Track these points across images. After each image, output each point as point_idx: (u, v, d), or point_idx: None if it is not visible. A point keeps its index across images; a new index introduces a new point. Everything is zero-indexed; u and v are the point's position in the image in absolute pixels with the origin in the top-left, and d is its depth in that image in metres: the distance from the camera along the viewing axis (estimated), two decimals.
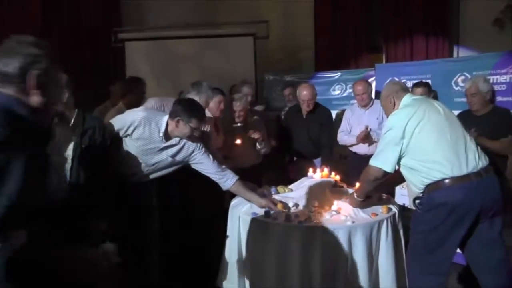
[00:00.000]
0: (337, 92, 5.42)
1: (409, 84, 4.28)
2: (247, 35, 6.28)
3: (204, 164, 2.98)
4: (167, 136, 2.97)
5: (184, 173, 3.17)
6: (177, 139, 2.98)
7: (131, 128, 2.92)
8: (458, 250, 3.05)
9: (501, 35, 5.15)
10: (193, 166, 3.03)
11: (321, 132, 4.37)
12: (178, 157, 3.00)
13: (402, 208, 4.10)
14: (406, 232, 2.94)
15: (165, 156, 2.99)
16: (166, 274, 3.43)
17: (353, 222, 2.62)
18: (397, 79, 4.60)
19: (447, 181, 2.47)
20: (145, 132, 2.93)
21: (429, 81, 4.32)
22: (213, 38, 6.32)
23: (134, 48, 6.35)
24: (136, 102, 3.94)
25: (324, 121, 4.40)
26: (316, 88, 4.52)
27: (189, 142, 2.98)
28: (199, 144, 2.99)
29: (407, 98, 2.74)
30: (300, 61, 6.88)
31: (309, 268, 2.51)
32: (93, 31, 6.59)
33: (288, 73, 5.99)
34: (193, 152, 2.98)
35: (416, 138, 2.52)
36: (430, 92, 4.05)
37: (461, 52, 5.40)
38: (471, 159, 2.48)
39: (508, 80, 3.82)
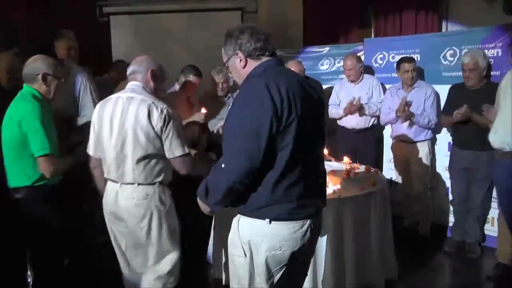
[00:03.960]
0: (325, 67, 5.38)
1: (398, 58, 4.26)
2: (235, 10, 6.18)
3: None
4: None
5: None
6: None
7: None
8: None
9: (491, 10, 5.12)
10: None
11: None
12: None
13: (390, 182, 4.15)
14: (393, 206, 2.97)
15: None
16: None
17: (342, 195, 2.64)
18: (385, 53, 4.60)
19: None
20: None
21: (418, 56, 4.31)
22: (201, 12, 6.19)
23: (120, 22, 6.21)
24: None
25: None
26: (304, 63, 4.50)
27: None
28: None
29: None
30: (289, 36, 6.78)
31: None
32: (77, 4, 6.41)
33: (277, 48, 5.89)
34: None
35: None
36: (415, 67, 4.01)
37: (450, 27, 5.36)
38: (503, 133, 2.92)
39: (495, 55, 3.82)
